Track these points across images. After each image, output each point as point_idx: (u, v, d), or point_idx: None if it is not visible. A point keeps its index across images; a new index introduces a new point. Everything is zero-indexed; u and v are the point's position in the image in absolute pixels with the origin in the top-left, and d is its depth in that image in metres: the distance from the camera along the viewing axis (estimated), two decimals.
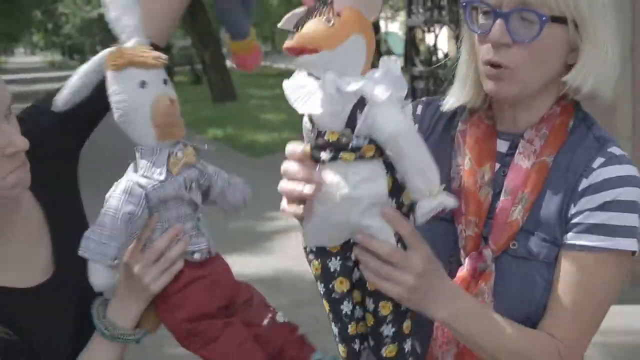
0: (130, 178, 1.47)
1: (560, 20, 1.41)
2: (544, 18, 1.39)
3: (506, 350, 1.42)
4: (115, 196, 1.45)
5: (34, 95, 2.86)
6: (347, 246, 1.36)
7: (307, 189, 1.27)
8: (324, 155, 1.28)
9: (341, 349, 1.43)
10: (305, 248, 1.40)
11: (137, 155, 1.48)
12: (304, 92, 1.27)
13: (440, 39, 7.26)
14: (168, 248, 1.49)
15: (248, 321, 1.55)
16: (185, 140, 1.51)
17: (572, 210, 1.45)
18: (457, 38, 6.62)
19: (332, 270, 1.37)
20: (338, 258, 1.37)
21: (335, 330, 1.43)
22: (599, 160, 1.46)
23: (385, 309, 1.37)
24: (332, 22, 1.22)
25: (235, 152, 12.50)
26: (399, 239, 1.31)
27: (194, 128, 16.10)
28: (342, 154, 1.27)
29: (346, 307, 1.40)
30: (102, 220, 1.43)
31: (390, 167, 1.29)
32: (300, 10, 1.26)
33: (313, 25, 1.22)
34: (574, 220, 1.45)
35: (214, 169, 1.58)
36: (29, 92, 14.80)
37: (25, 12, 30.69)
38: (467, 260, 1.48)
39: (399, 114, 1.26)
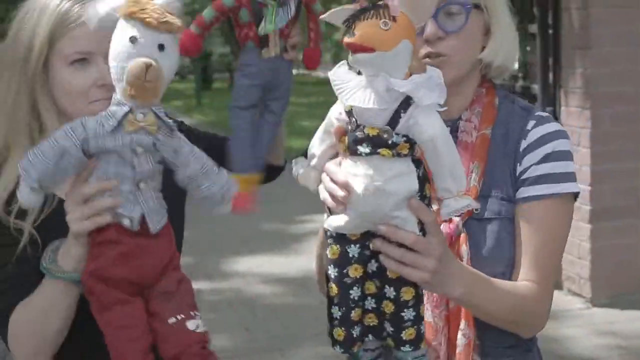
0: (85, 118, 1.50)
1: (477, 7, 1.67)
2: (468, 6, 1.65)
3: (506, 309, 1.63)
4: (64, 128, 1.49)
5: None
6: (367, 235, 1.45)
7: (341, 193, 1.41)
8: (362, 148, 1.38)
9: (338, 332, 1.51)
10: (326, 232, 1.50)
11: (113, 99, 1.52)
12: (352, 86, 1.39)
13: None
14: (97, 196, 1.51)
15: (155, 312, 1.51)
16: (160, 109, 1.51)
17: (519, 169, 1.69)
18: None
19: (350, 256, 1.46)
20: (357, 245, 1.46)
21: (338, 314, 1.50)
22: (531, 122, 1.72)
23: (407, 294, 1.47)
24: (389, 25, 1.34)
25: None
26: (421, 228, 1.44)
27: (230, 133, 16.35)
28: (381, 150, 1.38)
29: (355, 293, 1.48)
30: (42, 144, 1.47)
31: (417, 164, 1.42)
32: (351, 6, 1.39)
33: (371, 27, 1.34)
34: (523, 177, 1.69)
35: (192, 151, 1.55)
36: None
37: None
38: (441, 230, 1.64)
39: (438, 118, 1.41)
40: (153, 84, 1.47)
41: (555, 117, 5.77)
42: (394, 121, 1.39)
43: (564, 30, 5.65)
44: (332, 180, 1.44)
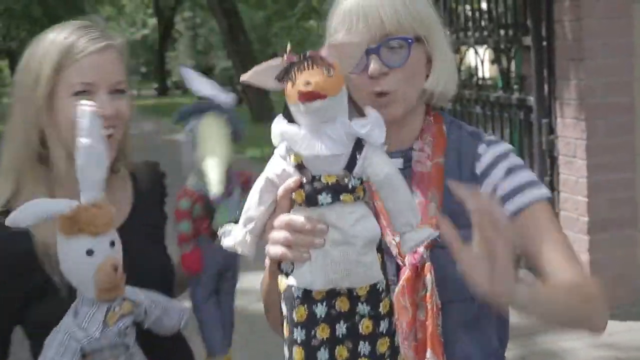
0: (68, 328, 1.57)
1: (418, 39, 1.67)
2: (409, 40, 1.65)
3: (576, 304, 1.59)
4: (53, 347, 1.57)
5: None
6: (333, 294, 1.40)
7: (318, 240, 1.36)
8: (323, 198, 1.36)
9: None
10: (282, 291, 1.43)
11: (78, 298, 1.60)
12: (302, 136, 1.38)
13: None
14: None
15: None
16: (126, 294, 1.62)
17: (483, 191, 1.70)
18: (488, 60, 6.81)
19: (317, 316, 1.39)
20: (324, 304, 1.40)
21: None
22: (482, 146, 1.74)
23: (383, 346, 1.43)
24: (332, 72, 1.35)
25: None
26: (383, 269, 1.43)
27: (233, 147, 16.35)
28: (342, 196, 1.36)
29: (322, 355, 1.41)
30: None
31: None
32: (273, 63, 1.41)
33: (318, 75, 1.35)
34: (498, 195, 1.68)
35: (150, 301, 1.68)
36: None
37: None
38: (406, 261, 1.65)
39: (386, 156, 1.43)
40: (120, 280, 1.59)
41: (552, 129, 5.80)
42: (350, 165, 1.38)
43: (558, 42, 5.67)
44: (295, 230, 1.38)
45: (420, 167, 1.72)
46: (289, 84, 1.37)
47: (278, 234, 1.40)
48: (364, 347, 1.42)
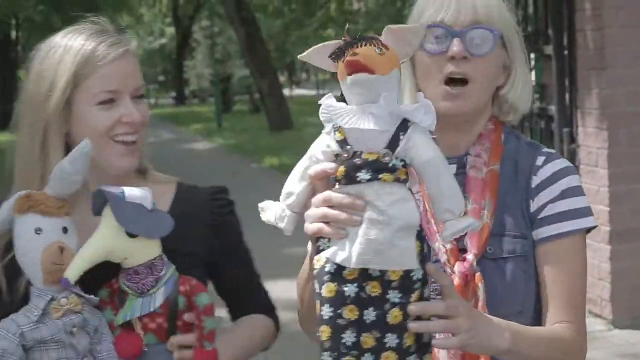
0: (14, 315, 1.57)
1: (502, 39, 1.66)
2: (495, 32, 1.64)
3: (548, 354, 1.60)
4: None
5: None
6: (364, 274, 1.38)
7: (356, 217, 1.36)
8: (362, 175, 1.36)
9: None
10: (316, 269, 1.42)
11: (31, 294, 1.59)
12: (347, 111, 1.38)
13: None
14: None
15: None
16: (76, 290, 1.59)
17: (533, 206, 1.69)
18: None
19: (346, 295, 1.38)
20: (355, 285, 1.38)
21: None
22: (541, 158, 1.71)
23: (409, 339, 1.41)
24: (383, 51, 1.36)
25: None
26: (421, 260, 1.40)
27: (251, 156, 16.36)
28: (382, 175, 1.36)
29: (348, 337, 1.39)
30: None
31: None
32: (332, 43, 1.42)
33: (369, 51, 1.35)
34: (541, 215, 1.68)
35: (106, 328, 1.64)
36: None
37: None
38: (455, 269, 1.64)
39: (432, 140, 1.43)
40: (66, 265, 1.57)
41: (573, 138, 5.76)
42: (393, 144, 1.38)
43: (579, 51, 5.64)
44: (331, 206, 1.39)
45: (475, 173, 1.70)
46: (342, 61, 1.37)
47: (316, 211, 1.41)
48: (391, 339, 1.40)
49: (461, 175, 1.70)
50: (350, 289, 1.39)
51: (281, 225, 1.49)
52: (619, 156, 5.45)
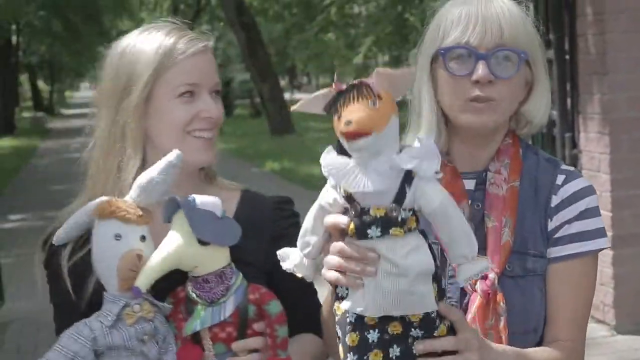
0: (88, 320, 1.58)
1: (526, 59, 1.65)
2: (522, 55, 1.63)
3: None
4: (67, 334, 1.56)
5: None
6: (385, 320, 1.40)
7: (370, 268, 1.36)
8: (373, 232, 1.36)
9: None
10: (338, 315, 1.44)
11: (104, 299, 1.59)
12: (349, 171, 1.36)
13: None
14: None
15: None
16: (149, 297, 1.59)
17: (551, 225, 1.68)
18: None
19: (370, 341, 1.40)
20: (376, 331, 1.40)
21: None
22: (561, 177, 1.70)
23: None
24: (377, 105, 1.33)
25: (291, 185, 12.69)
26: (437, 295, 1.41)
27: (252, 161, 16.37)
28: (392, 230, 1.35)
29: None
30: (50, 354, 1.54)
31: (423, 235, 1.40)
32: (322, 92, 1.40)
33: (362, 110, 1.32)
34: (557, 235, 1.67)
35: (173, 340, 1.63)
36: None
37: (90, 48, 31.62)
38: (478, 288, 1.64)
39: (440, 185, 1.40)
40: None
41: (575, 143, 5.75)
42: (399, 198, 1.36)
43: (581, 56, 5.64)
44: (347, 258, 1.39)
45: (495, 190, 1.69)
46: (336, 117, 1.36)
47: (332, 260, 1.42)
48: None
49: (480, 191, 1.70)
50: (372, 335, 1.41)
51: (301, 274, 1.51)
52: (620, 162, 5.45)
